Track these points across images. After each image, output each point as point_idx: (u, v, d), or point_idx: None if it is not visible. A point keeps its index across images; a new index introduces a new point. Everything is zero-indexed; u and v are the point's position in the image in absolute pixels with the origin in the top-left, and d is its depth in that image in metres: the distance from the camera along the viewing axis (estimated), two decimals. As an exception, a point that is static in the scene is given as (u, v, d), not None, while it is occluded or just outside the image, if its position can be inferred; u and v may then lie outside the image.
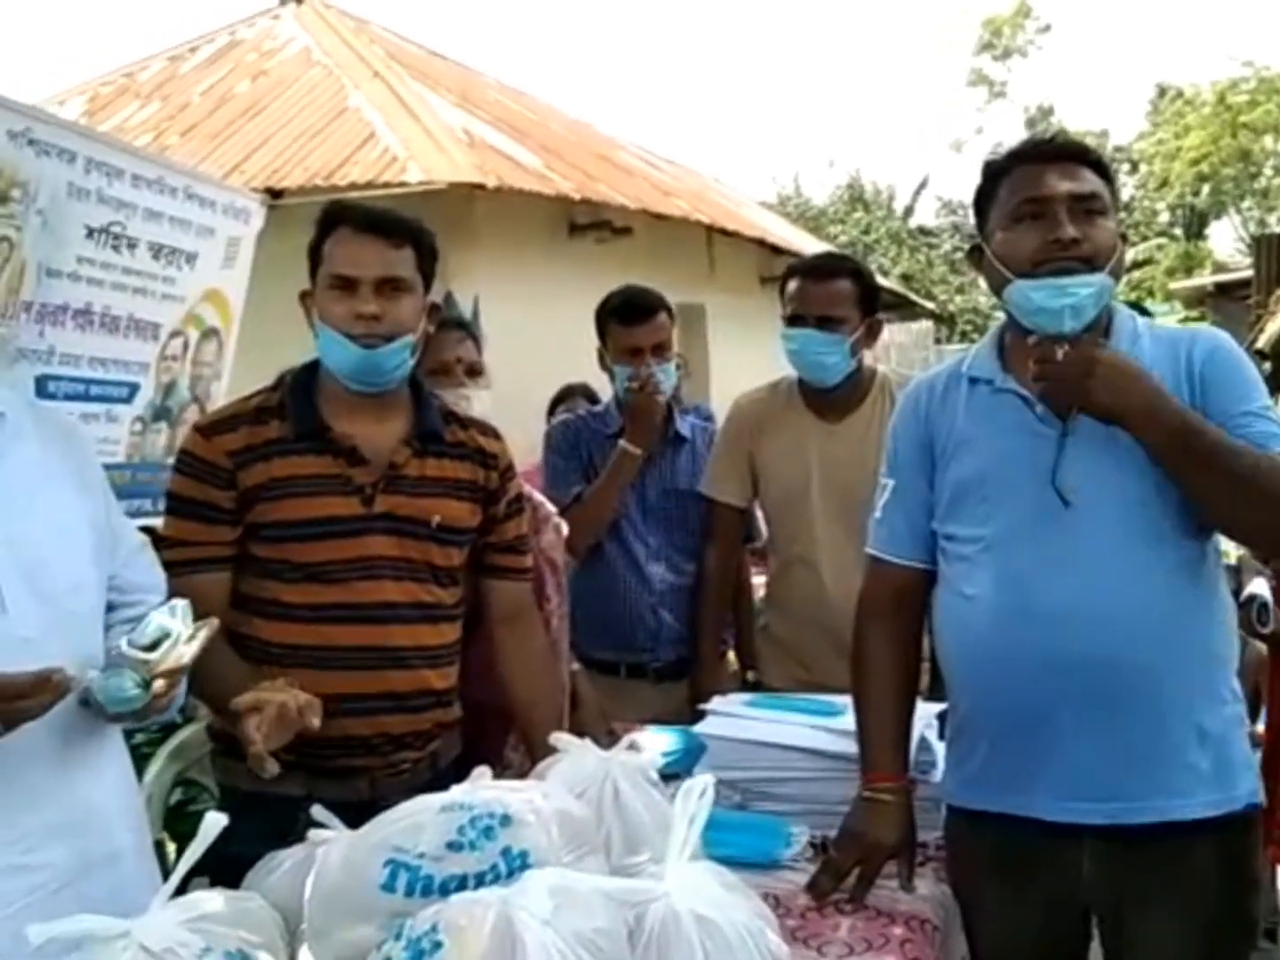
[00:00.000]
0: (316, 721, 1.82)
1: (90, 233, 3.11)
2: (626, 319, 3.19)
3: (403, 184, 7.05)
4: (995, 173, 1.98)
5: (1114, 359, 1.80)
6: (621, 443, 3.12)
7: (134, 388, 3.47)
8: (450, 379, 2.66)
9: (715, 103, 68.26)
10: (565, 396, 4.81)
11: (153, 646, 1.65)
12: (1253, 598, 2.10)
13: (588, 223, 8.91)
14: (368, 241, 2.13)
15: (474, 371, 2.73)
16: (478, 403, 2.65)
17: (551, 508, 2.86)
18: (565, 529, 2.90)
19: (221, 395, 3.89)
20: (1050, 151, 1.96)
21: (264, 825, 1.87)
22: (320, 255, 2.16)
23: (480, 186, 7.26)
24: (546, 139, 9.96)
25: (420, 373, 2.61)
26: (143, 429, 3.56)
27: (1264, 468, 1.77)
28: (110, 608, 1.81)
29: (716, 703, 2.48)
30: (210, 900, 1.45)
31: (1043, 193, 1.90)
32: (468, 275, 6.99)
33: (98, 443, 3.36)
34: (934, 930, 1.89)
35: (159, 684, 1.63)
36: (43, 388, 2.97)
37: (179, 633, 1.67)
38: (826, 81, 66.79)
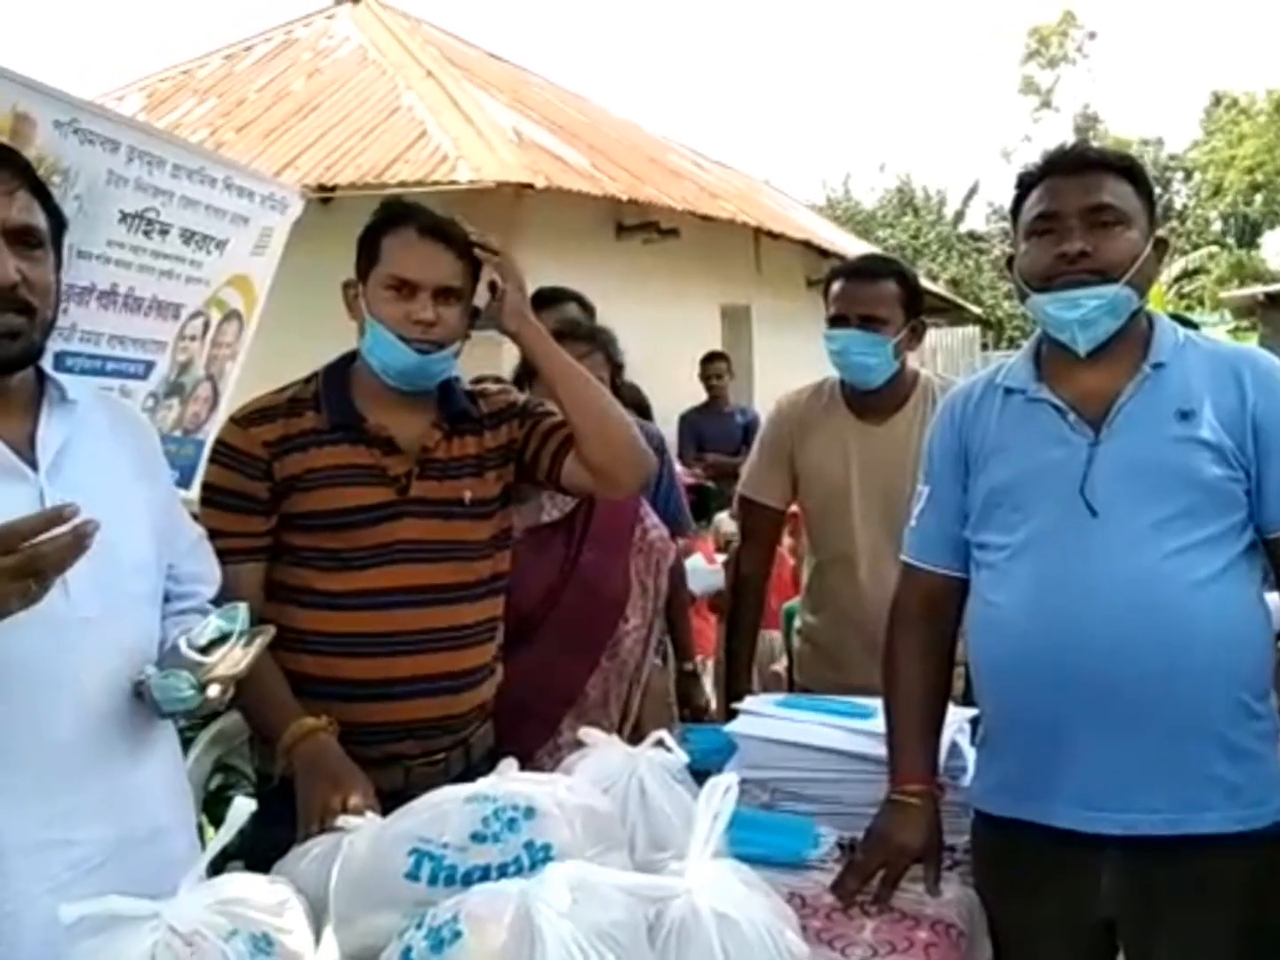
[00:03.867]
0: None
1: (124, 217, 3.16)
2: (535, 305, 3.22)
3: (452, 183, 7.11)
4: (1025, 185, 1.99)
5: None
6: None
7: (150, 365, 3.51)
8: None
9: (767, 106, 68.10)
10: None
11: (208, 647, 1.67)
12: None
13: (635, 223, 8.95)
14: (431, 247, 2.14)
15: None
16: None
17: (655, 533, 2.84)
18: (670, 556, 2.89)
19: (235, 376, 3.94)
20: (1073, 163, 1.96)
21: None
22: (376, 250, 2.16)
23: (529, 186, 7.30)
24: (596, 140, 10.00)
25: (539, 382, 2.58)
26: (155, 404, 3.60)
27: None
28: (165, 597, 1.84)
29: (747, 702, 2.49)
30: (239, 884, 1.45)
31: (1054, 207, 1.92)
32: (514, 274, 7.03)
33: None
34: (959, 935, 1.89)
35: (213, 690, 1.65)
36: (60, 363, 3.03)
37: (236, 637, 1.68)
38: (879, 86, 66.57)
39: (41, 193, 1.65)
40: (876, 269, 3.02)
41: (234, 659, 1.67)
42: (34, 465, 1.62)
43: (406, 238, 2.15)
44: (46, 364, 1.75)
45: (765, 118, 65.97)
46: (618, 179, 8.83)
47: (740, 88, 72.50)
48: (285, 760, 2.00)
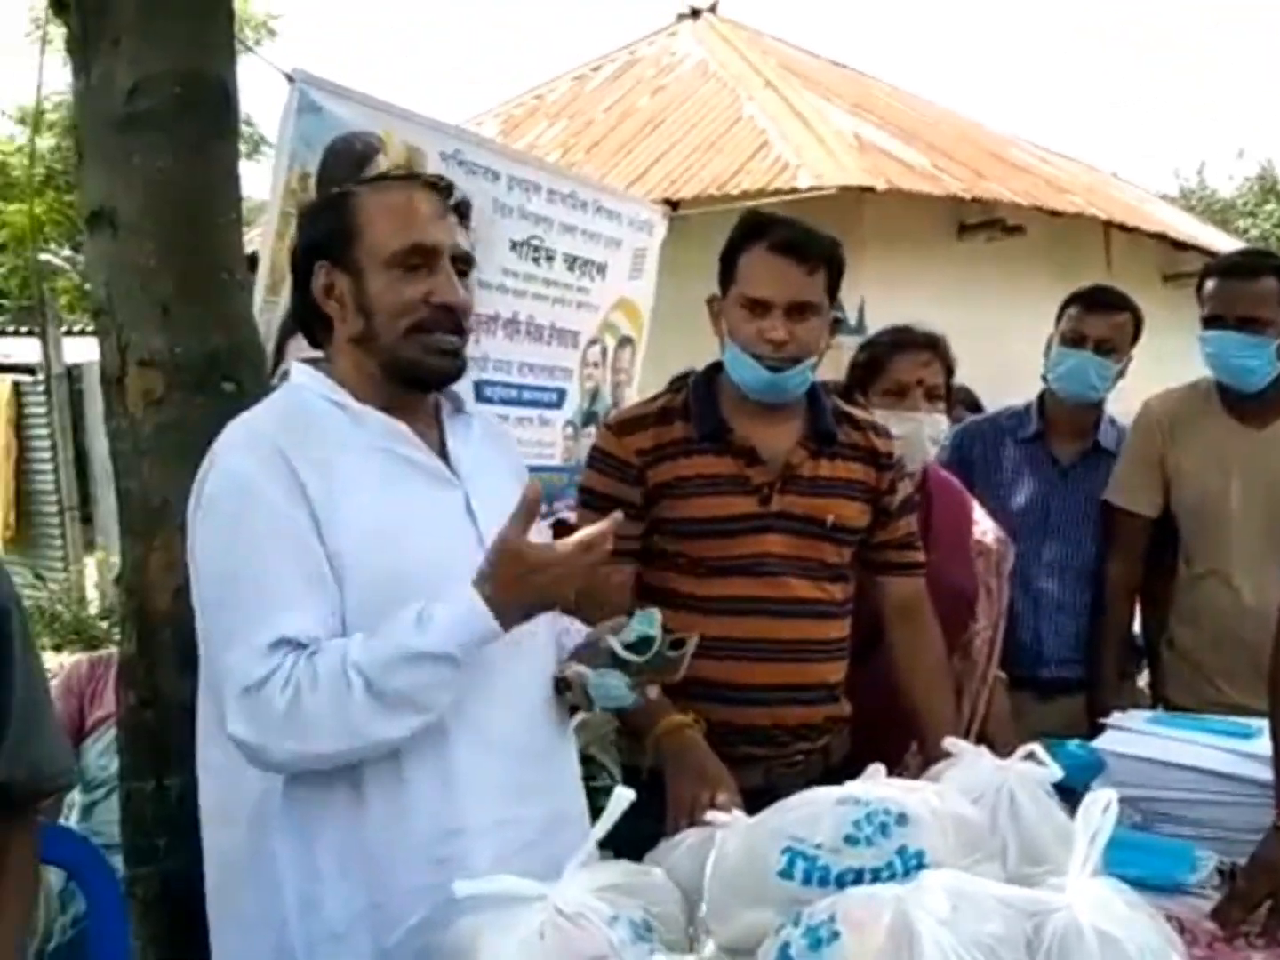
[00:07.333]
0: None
1: (513, 246, 3.35)
2: (1087, 305, 3.10)
3: (794, 190, 7.15)
4: None
5: None
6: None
7: (562, 393, 3.72)
8: (904, 401, 2.60)
9: (1114, 96, 64.88)
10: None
11: (631, 648, 1.73)
12: None
13: (978, 222, 8.75)
14: (783, 264, 2.15)
15: (934, 396, 2.63)
16: (928, 427, 2.59)
17: (991, 535, 2.81)
18: (1011, 557, 2.85)
19: (633, 399, 4.09)
20: None
21: (664, 806, 1.98)
22: (733, 267, 2.20)
23: (870, 189, 7.26)
24: (937, 139, 9.82)
25: (875, 389, 2.62)
26: (574, 433, 3.81)
27: None
28: None
29: (1117, 718, 2.39)
30: (618, 871, 1.52)
31: None
32: (854, 278, 6.96)
33: (534, 445, 3.62)
34: (1358, 975, 1.76)
35: (652, 691, 1.74)
36: (479, 393, 3.24)
37: (661, 641, 1.74)
38: (1235, 68, 62.25)
39: (466, 225, 1.80)
40: (1256, 266, 2.84)
41: (672, 665, 1.74)
42: (453, 472, 1.75)
43: (759, 255, 2.17)
44: (468, 394, 1.88)
45: (1112, 109, 62.94)
46: (960, 178, 8.65)
47: (1085, 80, 69.43)
48: (654, 754, 2.07)
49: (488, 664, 1.63)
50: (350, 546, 1.62)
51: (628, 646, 1.72)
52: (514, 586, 1.56)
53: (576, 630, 1.86)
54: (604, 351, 3.91)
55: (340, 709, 1.55)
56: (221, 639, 1.62)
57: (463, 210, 1.78)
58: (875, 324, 4.59)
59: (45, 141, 13.99)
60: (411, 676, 1.55)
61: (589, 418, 3.87)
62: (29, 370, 9.87)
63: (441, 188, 1.77)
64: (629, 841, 1.79)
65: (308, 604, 1.59)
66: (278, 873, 1.66)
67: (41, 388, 9.37)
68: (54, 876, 2.32)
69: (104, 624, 8.25)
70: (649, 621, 1.74)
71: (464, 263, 1.74)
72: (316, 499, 1.62)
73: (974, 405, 4.32)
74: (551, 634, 1.83)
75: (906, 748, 2.47)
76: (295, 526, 1.61)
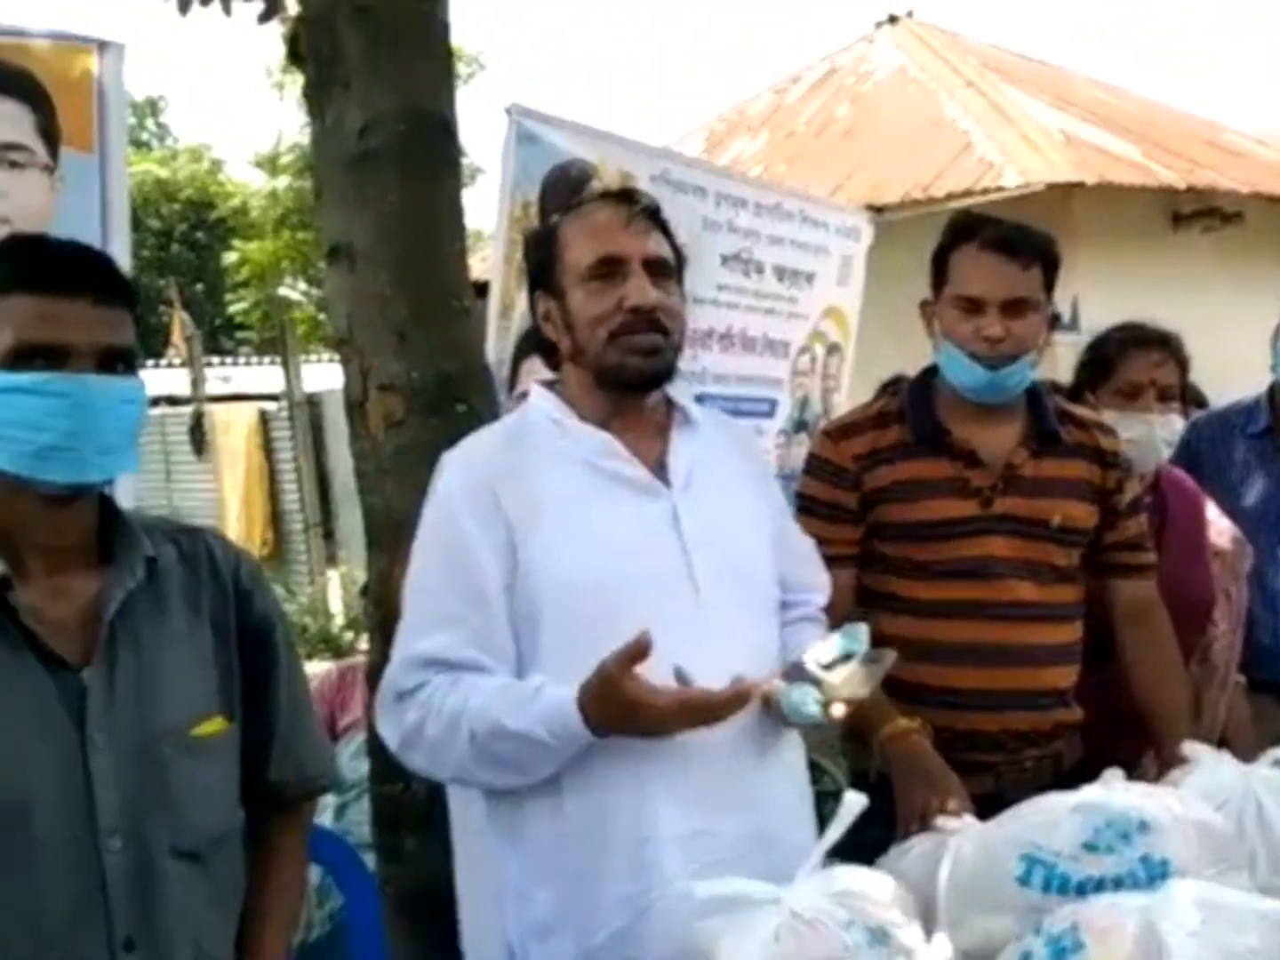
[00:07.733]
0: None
1: (724, 260, 3.40)
2: None
3: (999, 189, 7.02)
4: None
5: None
6: None
7: (774, 403, 3.76)
8: (1136, 402, 2.53)
9: None
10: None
11: (831, 665, 1.71)
12: None
13: (1193, 211, 8.42)
14: (996, 262, 2.14)
15: (1167, 396, 2.54)
16: (1160, 428, 2.51)
17: (1226, 536, 2.72)
18: (1248, 558, 2.77)
19: (843, 405, 4.10)
20: None
21: (892, 811, 1.97)
22: (945, 269, 2.20)
23: (1079, 185, 7.08)
24: (1146, 130, 9.49)
25: (1105, 390, 2.56)
26: (786, 441, 3.84)
27: None
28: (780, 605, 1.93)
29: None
30: (852, 876, 1.51)
31: None
32: (1066, 275, 6.72)
33: None
34: None
35: (838, 709, 1.69)
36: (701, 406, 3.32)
37: (859, 657, 1.71)
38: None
39: (666, 231, 1.83)
40: None
41: (859, 680, 1.70)
42: (667, 483, 1.78)
43: (970, 254, 2.16)
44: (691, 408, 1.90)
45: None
46: (1172, 167, 8.34)
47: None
48: (880, 759, 2.07)
49: (668, 675, 1.64)
50: (548, 558, 1.69)
51: (832, 662, 1.70)
52: (604, 708, 1.58)
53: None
54: (813, 360, 3.94)
55: (449, 748, 1.65)
56: (396, 643, 1.74)
57: (655, 214, 1.81)
58: (1089, 321, 4.48)
59: (279, 182, 14.84)
60: (507, 746, 1.62)
61: (799, 425, 3.91)
62: (273, 398, 10.49)
63: (631, 199, 1.82)
64: (857, 846, 1.80)
65: (467, 627, 1.68)
66: (495, 863, 1.75)
67: (285, 414, 9.99)
68: (312, 873, 2.45)
69: (349, 635, 8.64)
70: (854, 638, 1.72)
71: (660, 266, 1.77)
72: (516, 519, 1.69)
73: (1199, 401, 4.16)
74: (765, 645, 1.82)
75: (1142, 753, 2.41)
76: (475, 551, 1.69)
